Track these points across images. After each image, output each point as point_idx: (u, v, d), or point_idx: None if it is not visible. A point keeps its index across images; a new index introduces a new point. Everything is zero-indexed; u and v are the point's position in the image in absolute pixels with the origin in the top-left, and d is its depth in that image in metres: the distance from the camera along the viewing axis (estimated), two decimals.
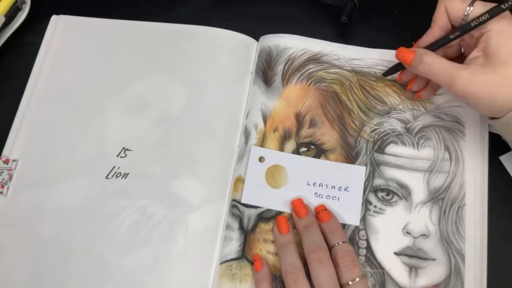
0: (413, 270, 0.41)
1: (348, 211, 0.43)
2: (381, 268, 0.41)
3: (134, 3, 0.54)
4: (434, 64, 0.38)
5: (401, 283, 0.40)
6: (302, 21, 0.51)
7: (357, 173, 0.44)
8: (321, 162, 0.44)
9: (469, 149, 0.44)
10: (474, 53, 0.38)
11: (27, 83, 0.50)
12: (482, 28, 0.37)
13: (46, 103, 0.49)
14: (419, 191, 0.43)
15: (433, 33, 0.41)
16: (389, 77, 0.46)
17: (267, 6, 0.52)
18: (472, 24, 0.37)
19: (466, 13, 0.38)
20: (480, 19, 0.37)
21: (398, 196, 0.43)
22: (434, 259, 0.41)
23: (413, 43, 0.44)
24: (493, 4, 0.37)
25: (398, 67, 0.44)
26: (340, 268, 0.38)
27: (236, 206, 0.44)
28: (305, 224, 0.41)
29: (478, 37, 0.38)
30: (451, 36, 0.39)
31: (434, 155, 0.44)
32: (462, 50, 0.42)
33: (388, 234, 0.42)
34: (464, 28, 0.38)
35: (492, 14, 0.36)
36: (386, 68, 0.46)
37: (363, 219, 0.42)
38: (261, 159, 0.45)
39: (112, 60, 0.50)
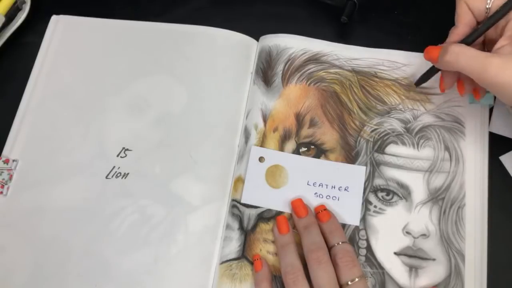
0: (413, 270, 0.41)
1: (348, 211, 0.43)
2: (381, 268, 0.41)
3: (134, 3, 0.54)
4: (462, 53, 0.36)
5: (401, 283, 0.40)
6: (302, 21, 0.51)
7: (357, 173, 0.44)
8: (321, 162, 0.44)
9: (469, 149, 0.44)
10: (501, 42, 0.36)
11: (27, 83, 0.50)
12: (507, 16, 0.36)
13: (46, 103, 0.49)
14: (419, 191, 0.43)
15: (459, 31, 0.39)
16: (390, 78, 0.46)
17: (267, 6, 0.52)
18: (501, 11, 0.36)
19: (488, 6, 0.37)
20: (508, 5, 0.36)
21: (398, 196, 0.43)
22: (434, 259, 0.41)
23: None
24: None
25: (429, 72, 0.42)
26: (340, 268, 0.37)
27: (236, 206, 0.44)
28: (305, 224, 0.41)
29: (503, 26, 0.37)
30: (480, 27, 0.37)
31: (434, 155, 0.44)
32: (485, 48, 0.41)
33: (388, 234, 0.42)
34: (495, 16, 0.37)
35: None
36: (387, 68, 0.46)
37: (363, 219, 0.42)
38: (261, 159, 0.45)
39: (112, 60, 0.50)
